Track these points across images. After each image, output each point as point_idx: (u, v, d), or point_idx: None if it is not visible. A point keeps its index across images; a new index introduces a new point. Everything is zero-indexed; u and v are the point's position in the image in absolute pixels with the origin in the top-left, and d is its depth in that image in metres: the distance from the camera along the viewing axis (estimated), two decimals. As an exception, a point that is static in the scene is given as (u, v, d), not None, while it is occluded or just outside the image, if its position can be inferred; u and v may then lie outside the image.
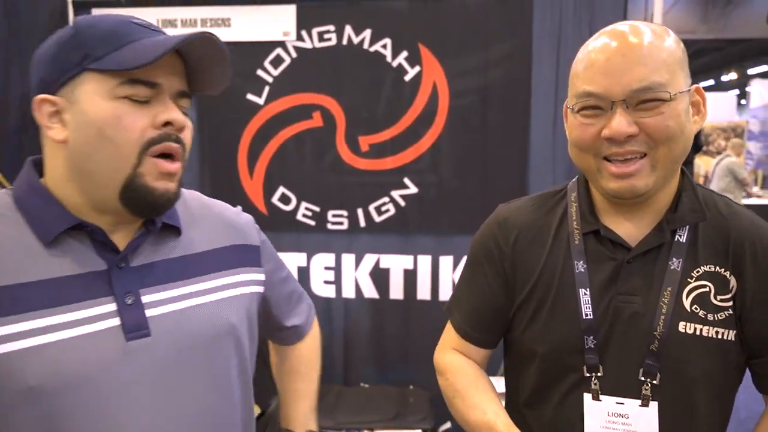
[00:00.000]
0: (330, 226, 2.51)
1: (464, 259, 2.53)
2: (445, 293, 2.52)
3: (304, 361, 1.14)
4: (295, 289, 1.09)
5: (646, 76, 0.79)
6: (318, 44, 2.43)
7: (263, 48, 2.43)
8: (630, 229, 0.89)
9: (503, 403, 1.00)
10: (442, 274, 2.52)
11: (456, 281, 2.54)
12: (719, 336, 0.85)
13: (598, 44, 0.84)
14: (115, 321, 0.73)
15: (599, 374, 0.88)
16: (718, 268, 0.86)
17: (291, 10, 2.41)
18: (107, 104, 0.69)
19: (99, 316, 0.72)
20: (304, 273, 2.54)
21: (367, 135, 2.46)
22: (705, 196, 0.91)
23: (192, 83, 0.77)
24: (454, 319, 1.05)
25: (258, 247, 0.94)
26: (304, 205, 2.51)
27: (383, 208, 2.50)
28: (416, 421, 2.25)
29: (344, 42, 2.42)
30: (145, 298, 0.76)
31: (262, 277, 0.93)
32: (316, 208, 2.51)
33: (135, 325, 0.74)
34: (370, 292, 2.54)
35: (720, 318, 0.85)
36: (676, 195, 0.89)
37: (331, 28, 2.41)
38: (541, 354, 0.92)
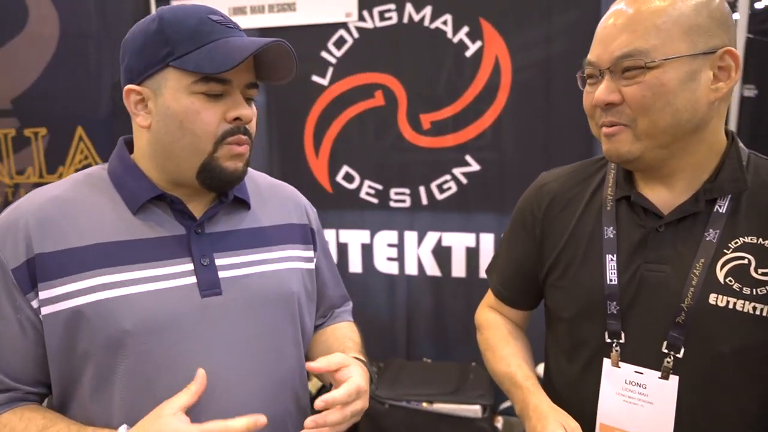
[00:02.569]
0: (392, 204, 2.55)
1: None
2: (508, 272, 2.49)
3: (350, 333, 1.08)
4: (342, 286, 1.14)
5: (629, 43, 0.77)
6: (379, 23, 2.45)
7: (327, 30, 2.49)
8: (665, 198, 0.86)
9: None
10: (504, 253, 2.49)
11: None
12: (757, 312, 0.80)
13: (608, 12, 0.83)
14: (192, 279, 0.83)
15: (621, 341, 0.86)
16: (761, 240, 0.81)
17: (353, -9, 2.45)
18: (186, 99, 0.78)
19: (179, 274, 0.83)
20: (367, 250, 2.60)
21: (429, 113, 2.47)
22: (758, 164, 0.86)
23: (260, 72, 0.85)
24: (491, 280, 1.10)
25: (314, 229, 1.03)
26: (367, 183, 2.57)
27: (445, 186, 2.51)
28: (475, 396, 2.26)
29: (405, 20, 2.43)
30: (219, 262, 0.86)
31: (311, 254, 1.02)
32: (379, 186, 2.56)
33: (209, 284, 0.84)
34: (432, 269, 2.56)
35: (760, 293, 0.80)
36: (720, 163, 0.85)
37: (392, 6, 2.43)
38: (567, 318, 0.93)
